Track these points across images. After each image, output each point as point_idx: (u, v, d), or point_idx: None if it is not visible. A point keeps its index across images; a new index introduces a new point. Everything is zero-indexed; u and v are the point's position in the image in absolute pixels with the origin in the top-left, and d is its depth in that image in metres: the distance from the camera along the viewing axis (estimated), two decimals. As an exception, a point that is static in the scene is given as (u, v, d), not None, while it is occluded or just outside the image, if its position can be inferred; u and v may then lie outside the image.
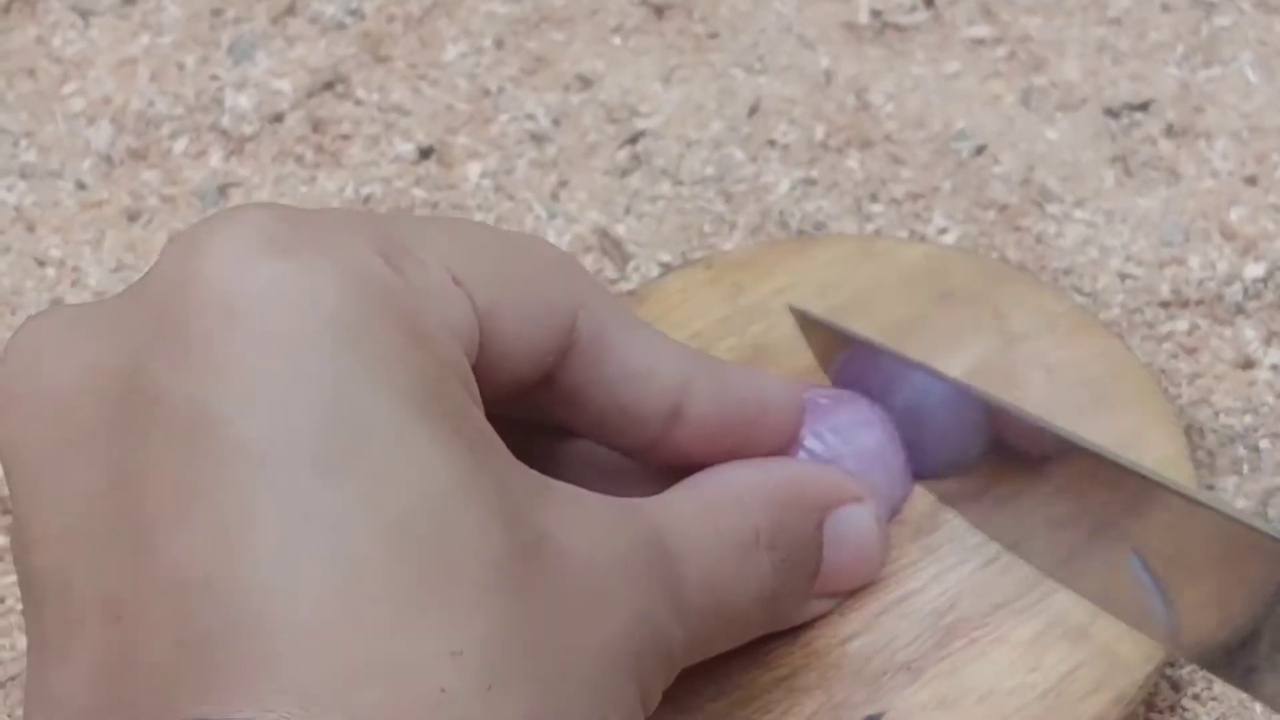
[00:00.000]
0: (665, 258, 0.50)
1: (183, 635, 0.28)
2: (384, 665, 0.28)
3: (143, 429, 0.30)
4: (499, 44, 0.56)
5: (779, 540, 0.37)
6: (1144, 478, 0.38)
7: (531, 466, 0.33)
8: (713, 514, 0.36)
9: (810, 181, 0.52)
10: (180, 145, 0.54)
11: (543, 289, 0.35)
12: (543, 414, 0.37)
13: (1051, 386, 0.44)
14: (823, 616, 0.40)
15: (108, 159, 0.54)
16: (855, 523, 0.40)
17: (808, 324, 0.45)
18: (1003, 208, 0.51)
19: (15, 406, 0.31)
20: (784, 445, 0.40)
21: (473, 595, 0.29)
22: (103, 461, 0.30)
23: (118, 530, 0.29)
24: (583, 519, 0.33)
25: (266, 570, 0.28)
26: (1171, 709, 0.42)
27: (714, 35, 0.55)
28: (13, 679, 0.44)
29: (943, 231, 0.50)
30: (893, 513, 0.42)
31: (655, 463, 0.38)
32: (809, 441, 0.41)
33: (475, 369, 0.33)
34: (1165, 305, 0.48)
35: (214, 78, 0.55)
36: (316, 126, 0.54)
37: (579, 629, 0.31)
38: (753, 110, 0.54)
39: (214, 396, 0.29)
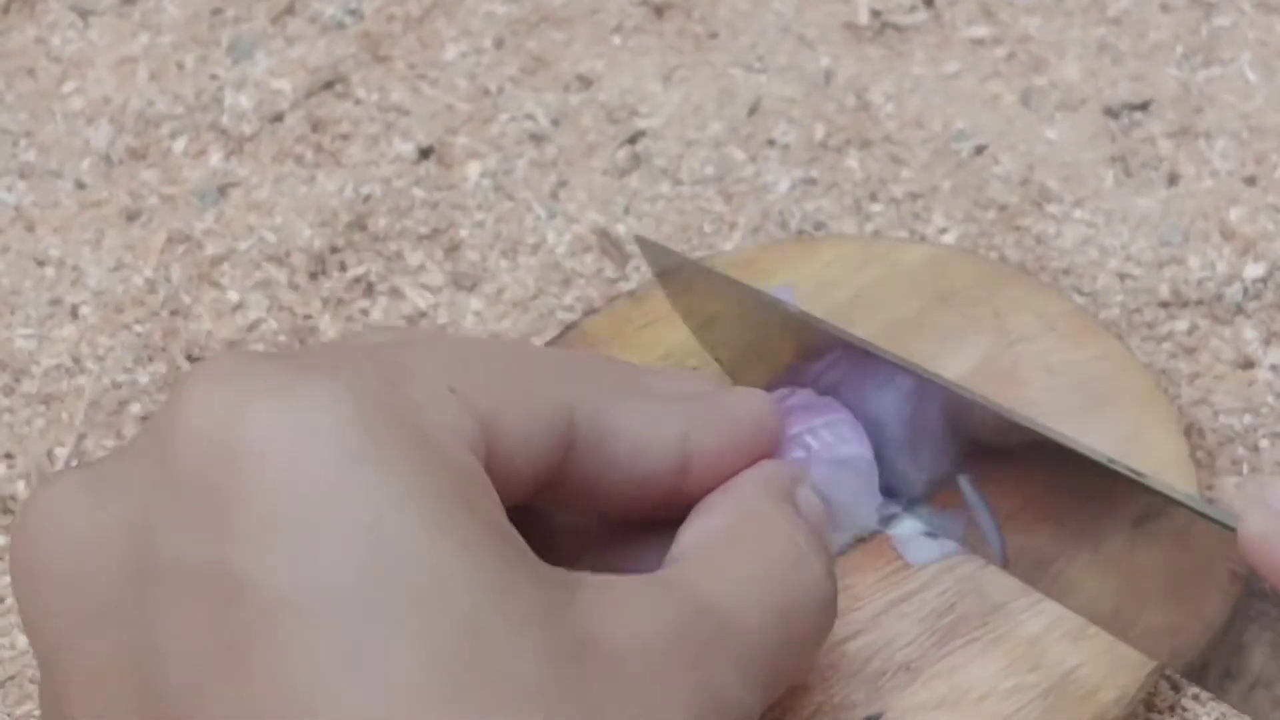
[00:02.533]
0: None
1: None
2: None
3: (163, 597, 0.29)
4: (499, 44, 0.56)
5: (812, 544, 0.36)
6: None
7: (553, 547, 0.33)
8: (739, 534, 0.36)
9: (810, 181, 0.52)
10: (180, 145, 0.54)
11: (537, 388, 0.35)
12: (558, 505, 0.37)
13: (1051, 387, 0.44)
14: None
15: (107, 159, 0.54)
16: (809, 504, 0.39)
17: (655, 255, 0.44)
18: (1002, 208, 0.51)
19: (35, 580, 0.31)
20: (773, 450, 0.40)
21: (528, 707, 0.29)
22: (126, 631, 0.30)
23: (154, 700, 0.29)
24: (620, 608, 0.32)
25: (321, 716, 0.28)
26: (1171, 709, 0.42)
27: (714, 35, 0.55)
28: (11, 679, 0.44)
29: (943, 231, 0.50)
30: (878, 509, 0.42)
31: (672, 514, 0.38)
32: (807, 438, 0.41)
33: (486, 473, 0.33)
34: (1165, 305, 0.48)
35: (213, 77, 0.55)
36: (316, 126, 0.54)
37: (636, 715, 0.31)
38: (752, 110, 0.54)
39: (234, 556, 0.29)
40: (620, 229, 0.51)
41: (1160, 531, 0.36)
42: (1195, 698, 0.42)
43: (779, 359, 0.43)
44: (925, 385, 0.40)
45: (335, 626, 0.28)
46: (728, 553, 0.35)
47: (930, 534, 0.42)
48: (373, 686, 0.28)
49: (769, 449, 0.39)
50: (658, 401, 0.38)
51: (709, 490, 0.38)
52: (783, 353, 0.43)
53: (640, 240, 0.45)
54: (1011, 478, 0.39)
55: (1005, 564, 0.40)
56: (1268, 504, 0.32)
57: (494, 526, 0.31)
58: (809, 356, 0.42)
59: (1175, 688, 0.42)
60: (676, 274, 0.44)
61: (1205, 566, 0.35)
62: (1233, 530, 0.33)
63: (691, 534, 0.36)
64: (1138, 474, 0.36)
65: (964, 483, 0.40)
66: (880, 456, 0.41)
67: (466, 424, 0.32)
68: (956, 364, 0.45)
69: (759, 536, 0.36)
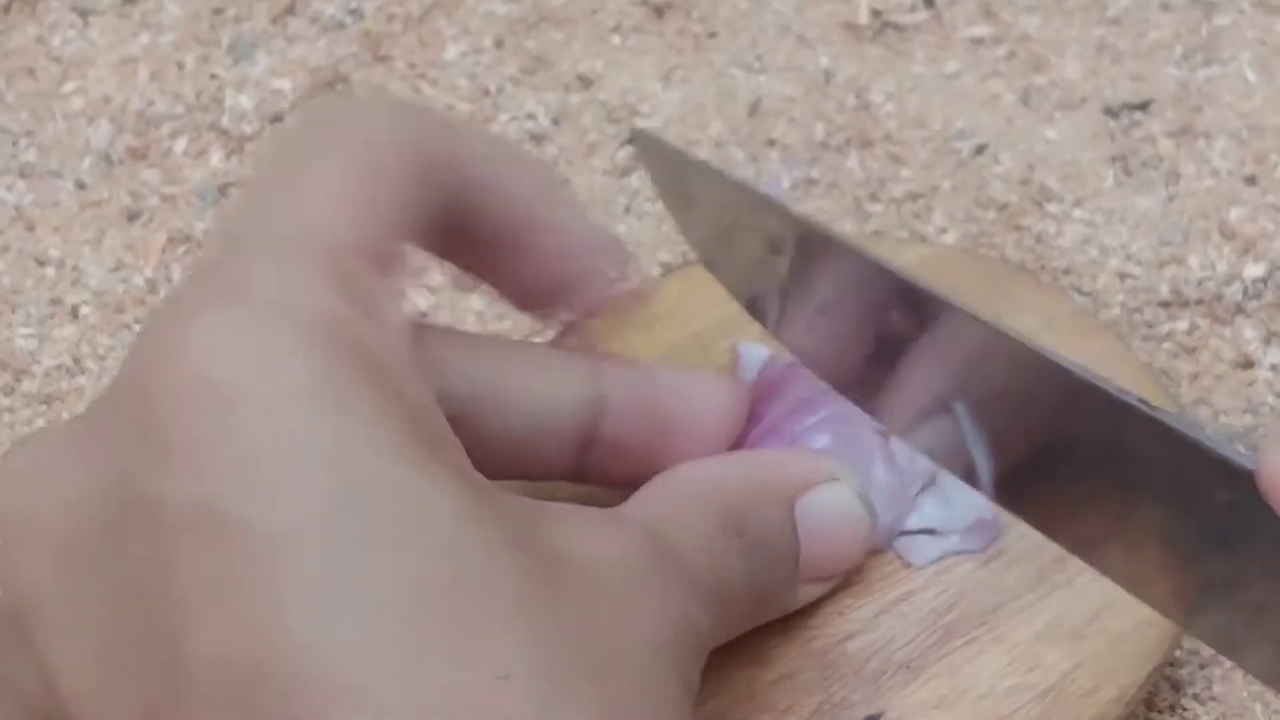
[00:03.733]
0: (665, 258, 0.50)
1: None
2: (440, 702, 0.28)
3: (148, 540, 0.30)
4: (499, 44, 0.56)
5: (746, 527, 0.37)
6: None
7: None
8: (682, 507, 0.37)
9: (810, 181, 0.52)
10: (180, 145, 0.54)
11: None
12: None
13: (1051, 386, 0.44)
14: (823, 615, 0.40)
15: (107, 158, 0.54)
16: (829, 503, 0.39)
17: (649, 148, 0.43)
18: (1002, 207, 0.51)
19: (15, 542, 0.32)
20: (724, 444, 0.40)
21: (504, 621, 0.30)
22: (114, 580, 0.30)
23: (147, 639, 0.30)
24: (582, 531, 0.33)
25: (311, 642, 0.29)
26: (1171, 709, 0.42)
27: (713, 35, 0.55)
28: (13, 678, 0.44)
29: (943, 231, 0.50)
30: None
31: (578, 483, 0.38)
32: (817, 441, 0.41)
33: None
34: (1165, 305, 0.48)
35: (214, 77, 0.55)
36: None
37: (615, 633, 0.32)
38: (752, 110, 0.54)
39: (216, 493, 0.29)
40: (621, 229, 0.51)
41: (1158, 465, 0.35)
42: (1195, 697, 0.42)
43: (753, 249, 0.42)
44: (913, 290, 0.38)
45: (320, 555, 0.29)
46: (681, 516, 0.36)
47: (930, 532, 0.42)
48: (360, 611, 0.29)
49: (711, 445, 0.39)
50: (570, 357, 0.38)
51: (620, 479, 0.38)
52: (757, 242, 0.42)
53: (635, 132, 0.44)
54: (1005, 402, 0.38)
55: (994, 496, 0.39)
56: None
57: (457, 458, 0.32)
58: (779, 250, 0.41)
59: (1175, 687, 0.42)
60: (671, 170, 0.44)
61: (1196, 501, 0.34)
62: (1246, 470, 0.33)
63: (650, 491, 0.37)
64: (1145, 402, 0.36)
65: (958, 409, 0.39)
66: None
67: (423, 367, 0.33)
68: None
69: (713, 517, 0.37)
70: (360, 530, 0.29)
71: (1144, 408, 0.35)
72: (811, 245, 0.40)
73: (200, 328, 0.31)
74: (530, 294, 0.39)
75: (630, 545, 0.34)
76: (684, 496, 0.37)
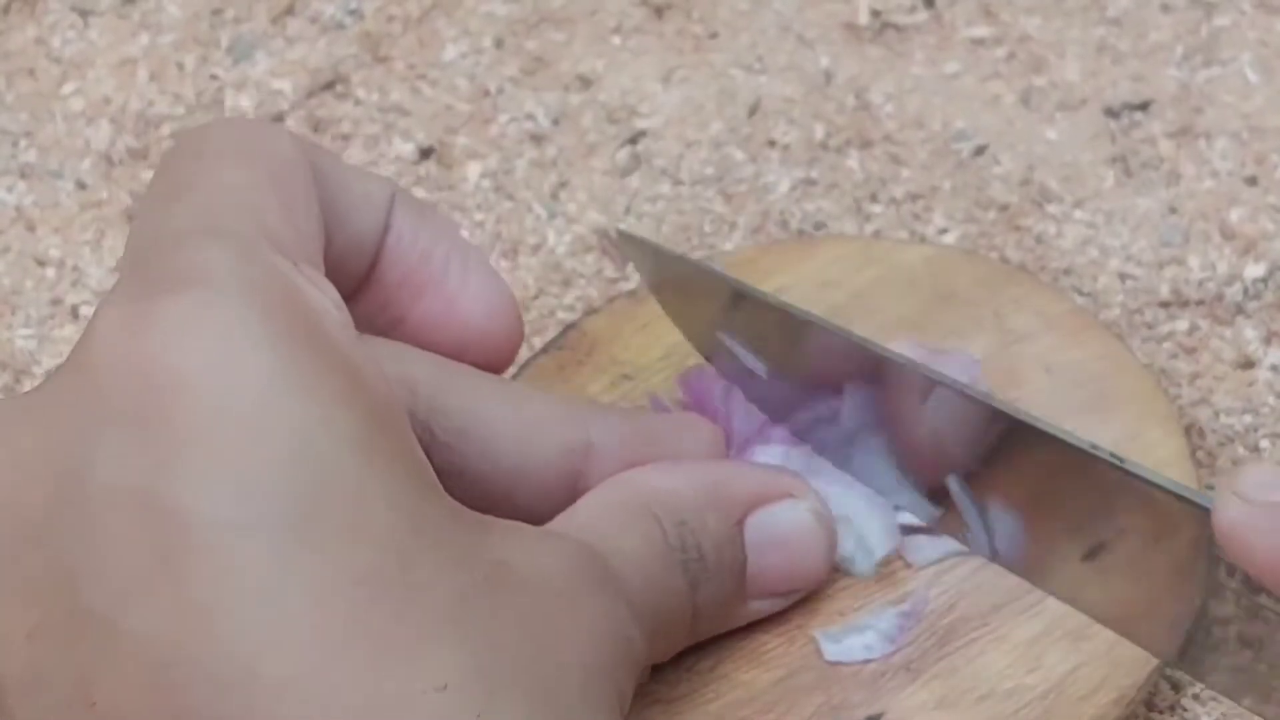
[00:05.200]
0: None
1: (162, 711, 0.28)
2: (372, 709, 0.28)
3: (91, 522, 0.30)
4: (499, 44, 0.56)
5: (688, 540, 0.37)
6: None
7: None
8: (625, 520, 0.37)
9: (810, 181, 0.52)
10: (180, 145, 0.54)
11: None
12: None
13: (1051, 387, 0.44)
14: (824, 616, 0.40)
15: (107, 159, 0.54)
16: (784, 520, 0.39)
17: (635, 248, 0.44)
18: (1003, 208, 0.51)
19: None
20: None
21: (447, 630, 0.30)
22: (54, 552, 0.30)
23: (79, 619, 0.29)
24: (526, 545, 0.33)
25: (242, 638, 0.28)
26: (1171, 709, 0.42)
27: (714, 35, 0.55)
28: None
29: (943, 231, 0.50)
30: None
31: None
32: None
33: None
34: (1165, 305, 0.49)
35: (214, 77, 0.55)
36: (316, 126, 0.54)
37: (553, 646, 0.32)
38: (753, 110, 0.54)
39: (164, 479, 0.29)
40: (620, 229, 0.51)
41: (1139, 519, 0.36)
42: (1195, 697, 0.42)
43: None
44: (901, 370, 0.39)
45: (260, 547, 0.29)
46: (622, 529, 0.36)
47: (929, 532, 0.42)
48: (297, 606, 0.29)
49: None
50: (558, 402, 0.38)
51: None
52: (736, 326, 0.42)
53: (622, 235, 0.44)
54: (998, 468, 0.39)
55: (994, 556, 0.40)
56: (1240, 492, 0.32)
57: (413, 455, 0.32)
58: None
59: (1175, 688, 0.42)
60: (658, 268, 0.44)
61: (1190, 552, 0.35)
62: (1207, 511, 0.34)
63: (595, 499, 0.37)
64: (1116, 458, 0.36)
65: (952, 481, 0.40)
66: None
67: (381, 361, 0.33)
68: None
69: (655, 530, 0.37)
70: (304, 524, 0.29)
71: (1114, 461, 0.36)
72: (794, 330, 0.40)
73: (159, 313, 0.31)
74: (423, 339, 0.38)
75: (570, 562, 0.34)
76: (630, 507, 0.37)
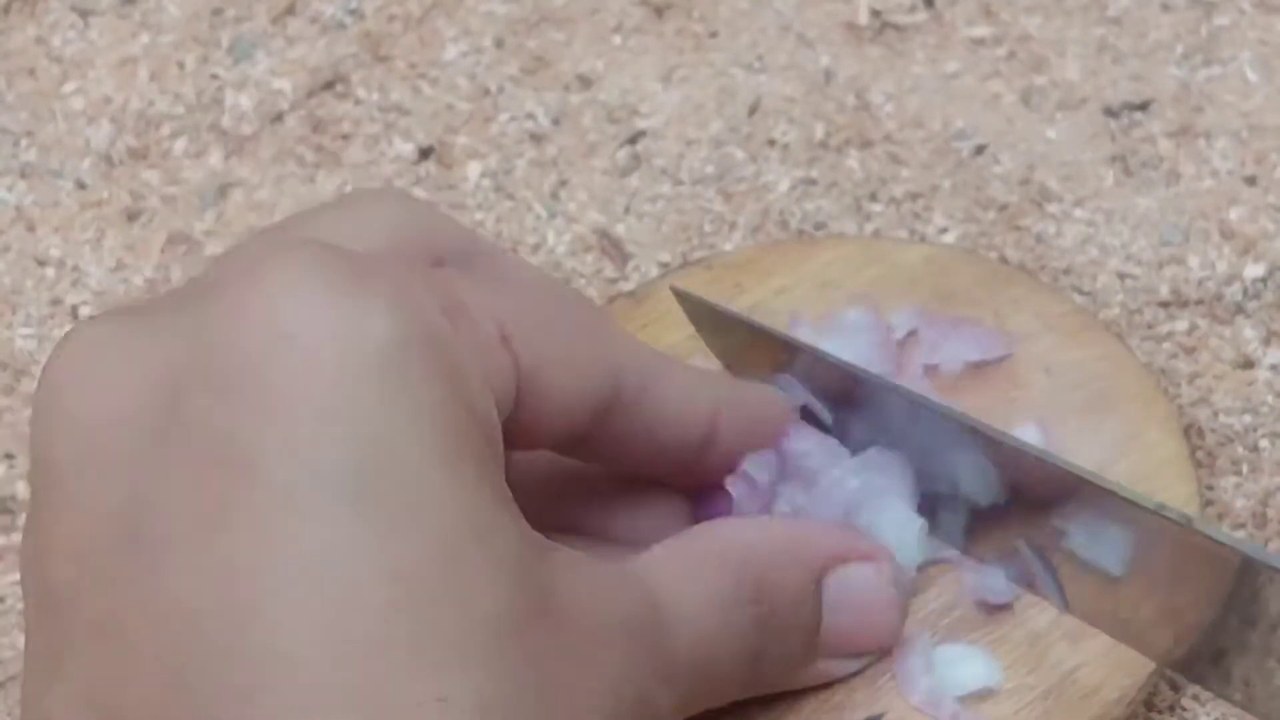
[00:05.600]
0: (665, 258, 0.50)
1: (176, 665, 0.29)
2: (372, 711, 0.28)
3: (173, 455, 0.30)
4: (499, 44, 0.56)
5: (764, 596, 0.37)
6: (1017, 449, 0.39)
7: (544, 486, 0.35)
8: (699, 568, 0.36)
9: (810, 181, 0.52)
10: (180, 145, 0.54)
11: (591, 352, 0.36)
12: (579, 457, 0.38)
13: (1051, 387, 0.44)
14: None
15: (108, 158, 0.54)
16: (860, 582, 0.39)
17: (691, 305, 0.45)
18: (1002, 207, 0.51)
19: (56, 418, 0.32)
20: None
21: (469, 646, 0.30)
22: (127, 475, 0.30)
23: (128, 551, 0.30)
24: (583, 582, 0.33)
25: (271, 608, 0.29)
26: (1171, 709, 0.42)
27: (714, 35, 0.55)
28: (12, 679, 0.44)
29: (943, 231, 0.50)
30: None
31: (685, 486, 0.40)
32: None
33: (515, 421, 0.34)
34: (1165, 305, 0.49)
35: (214, 77, 0.55)
36: (316, 126, 0.54)
37: (568, 688, 0.32)
38: (753, 110, 0.54)
39: (249, 430, 0.30)
40: (620, 229, 0.51)
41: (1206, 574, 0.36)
42: (1195, 697, 0.42)
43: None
44: (967, 432, 0.40)
45: (315, 520, 0.29)
46: (693, 578, 0.36)
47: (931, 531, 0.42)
48: (329, 582, 0.29)
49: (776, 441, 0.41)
50: (697, 372, 0.39)
51: (723, 466, 0.39)
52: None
53: (676, 291, 0.45)
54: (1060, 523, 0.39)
55: (1067, 608, 0.40)
56: None
57: (490, 474, 0.32)
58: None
59: (1175, 688, 0.42)
60: (710, 320, 0.45)
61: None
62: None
63: (673, 545, 0.37)
64: (1185, 517, 0.37)
65: (1021, 545, 0.40)
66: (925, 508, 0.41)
67: (505, 376, 0.33)
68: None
69: (729, 582, 0.37)
70: (361, 508, 0.29)
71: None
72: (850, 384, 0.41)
73: (299, 275, 0.31)
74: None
75: (621, 609, 0.34)
76: (706, 554, 0.37)
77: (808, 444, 0.41)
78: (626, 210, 0.51)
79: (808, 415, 0.42)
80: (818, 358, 0.42)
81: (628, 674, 0.33)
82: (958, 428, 0.39)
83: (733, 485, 0.40)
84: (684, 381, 0.38)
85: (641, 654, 0.34)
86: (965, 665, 0.40)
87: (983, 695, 0.39)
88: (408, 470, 0.30)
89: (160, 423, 0.30)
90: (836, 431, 0.42)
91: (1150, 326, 0.48)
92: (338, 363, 0.30)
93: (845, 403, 0.42)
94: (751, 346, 0.43)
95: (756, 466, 0.40)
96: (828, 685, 0.40)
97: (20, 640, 0.44)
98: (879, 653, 0.40)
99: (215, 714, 0.28)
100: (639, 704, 0.33)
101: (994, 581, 0.40)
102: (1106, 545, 0.38)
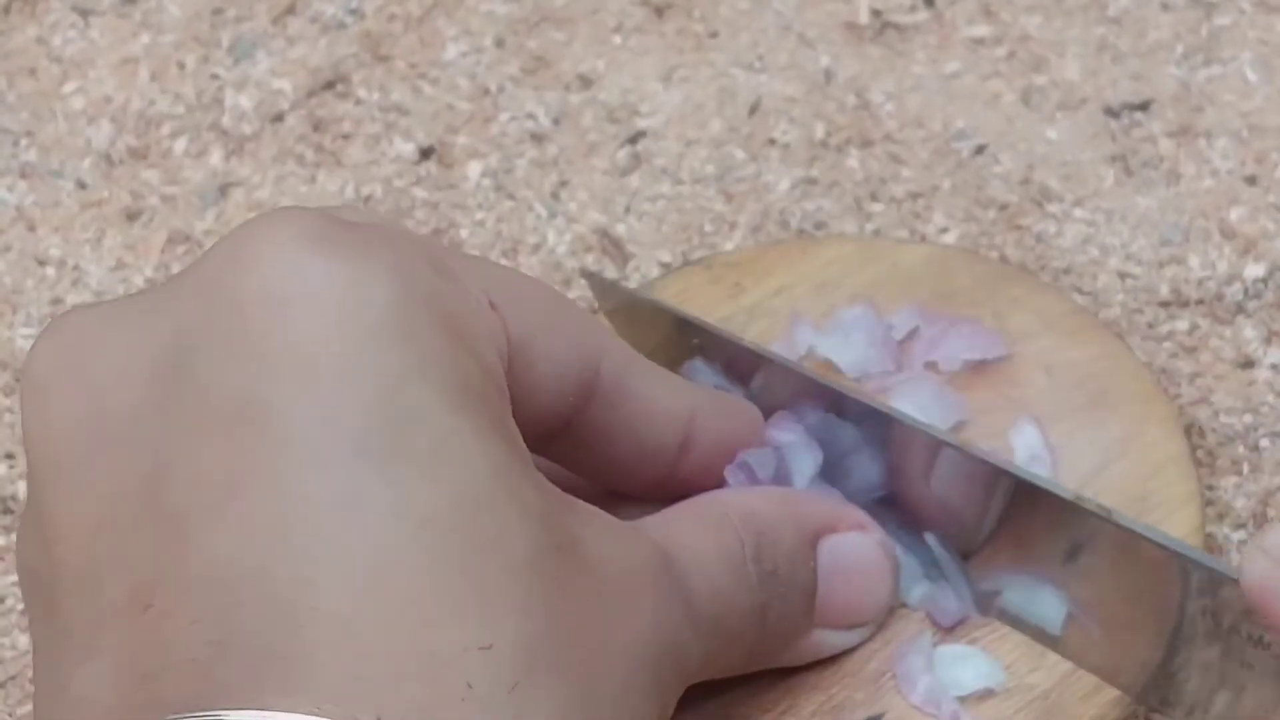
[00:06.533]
0: (665, 258, 0.50)
1: (216, 629, 0.28)
2: (416, 662, 0.28)
3: (186, 417, 0.30)
4: (499, 43, 0.56)
5: (764, 554, 0.37)
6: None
7: None
8: (705, 528, 0.37)
9: (810, 181, 0.52)
10: (180, 145, 0.54)
11: (571, 332, 0.36)
12: (557, 458, 0.38)
13: (1051, 386, 0.44)
14: None
15: (108, 158, 0.54)
16: (853, 549, 0.39)
17: (600, 287, 0.44)
18: (1003, 207, 0.51)
19: (48, 396, 0.32)
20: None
21: (507, 589, 0.30)
22: (139, 449, 0.30)
23: (153, 518, 0.30)
24: (601, 530, 0.33)
25: (305, 564, 0.29)
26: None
27: (714, 35, 0.55)
28: (12, 679, 0.44)
29: (943, 231, 0.50)
30: None
31: (660, 499, 0.39)
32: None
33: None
34: (1165, 305, 0.49)
35: (214, 77, 0.55)
36: (317, 126, 0.54)
37: (605, 630, 0.32)
38: (753, 110, 0.54)
39: (264, 388, 0.30)
40: (621, 229, 0.51)
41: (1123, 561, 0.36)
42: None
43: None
44: (891, 423, 0.40)
45: (339, 473, 0.29)
46: (701, 536, 0.36)
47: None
48: (361, 534, 0.29)
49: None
50: (670, 376, 0.39)
51: (697, 477, 0.39)
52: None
53: (585, 274, 0.45)
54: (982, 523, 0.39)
55: (978, 610, 0.40)
56: (1269, 549, 0.32)
57: (505, 424, 0.32)
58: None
59: (1175, 687, 0.42)
60: (622, 306, 0.45)
61: (1162, 590, 0.35)
62: (1233, 580, 0.34)
63: (679, 508, 0.37)
64: (1105, 509, 0.37)
65: (931, 540, 0.40)
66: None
67: (499, 339, 0.33)
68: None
69: (732, 540, 0.37)
70: (384, 459, 0.29)
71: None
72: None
73: (294, 239, 0.31)
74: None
75: (639, 556, 0.34)
76: (710, 517, 0.37)
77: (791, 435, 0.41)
78: (627, 210, 0.52)
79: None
80: (726, 341, 0.42)
81: (659, 619, 0.33)
82: (866, 414, 0.40)
83: (732, 475, 0.40)
84: (661, 380, 0.38)
85: (669, 599, 0.34)
86: (965, 665, 0.40)
87: (983, 695, 0.39)
88: (427, 420, 0.30)
89: (167, 393, 0.30)
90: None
91: (1150, 326, 0.48)
92: (346, 320, 0.30)
93: (753, 383, 0.42)
94: (661, 330, 0.43)
95: (758, 460, 0.40)
96: (827, 686, 0.40)
97: (20, 640, 0.44)
98: (872, 624, 0.40)
99: (266, 680, 0.28)
100: (672, 648, 0.34)
101: (946, 603, 0.40)
102: (1043, 605, 0.39)
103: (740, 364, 0.42)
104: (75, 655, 0.30)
